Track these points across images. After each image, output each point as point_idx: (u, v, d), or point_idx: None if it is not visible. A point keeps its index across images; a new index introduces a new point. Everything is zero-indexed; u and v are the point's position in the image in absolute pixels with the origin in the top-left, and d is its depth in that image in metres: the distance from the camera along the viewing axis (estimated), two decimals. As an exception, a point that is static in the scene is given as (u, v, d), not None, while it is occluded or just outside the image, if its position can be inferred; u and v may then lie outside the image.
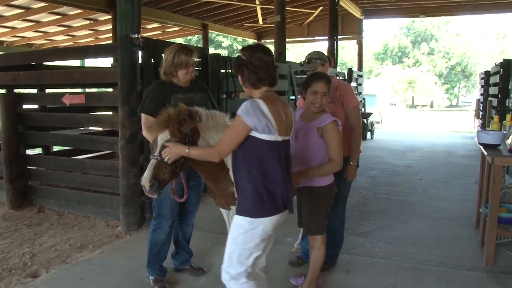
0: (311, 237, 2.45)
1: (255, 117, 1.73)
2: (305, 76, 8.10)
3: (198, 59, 2.66)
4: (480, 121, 10.78)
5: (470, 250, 3.47)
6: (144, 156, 3.84)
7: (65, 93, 4.42)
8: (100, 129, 6.36)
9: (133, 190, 3.96)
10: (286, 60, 7.69)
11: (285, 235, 3.76)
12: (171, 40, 12.08)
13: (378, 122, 16.43)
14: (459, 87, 44.95)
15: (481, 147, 3.34)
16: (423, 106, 42.75)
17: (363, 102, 12.78)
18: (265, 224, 1.81)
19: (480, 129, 8.80)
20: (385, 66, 43.79)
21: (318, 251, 2.45)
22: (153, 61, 3.96)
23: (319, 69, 2.85)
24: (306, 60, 2.92)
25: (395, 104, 37.22)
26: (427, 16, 13.12)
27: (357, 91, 11.93)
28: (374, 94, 22.75)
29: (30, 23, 10.06)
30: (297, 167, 2.27)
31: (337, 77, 3.01)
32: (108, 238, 3.81)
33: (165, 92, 2.58)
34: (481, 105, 10.56)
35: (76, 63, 10.14)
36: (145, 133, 2.60)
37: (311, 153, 2.31)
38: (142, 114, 2.63)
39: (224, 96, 5.10)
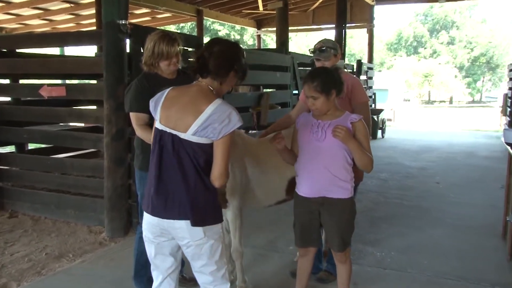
0: (343, 251, 2.50)
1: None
2: (310, 68, 8.02)
3: (183, 48, 2.68)
4: (508, 118, 10.74)
5: (495, 263, 3.46)
6: (131, 154, 3.84)
7: (43, 84, 4.40)
8: (82, 125, 6.37)
9: (119, 192, 3.98)
10: (289, 50, 7.73)
11: (287, 243, 3.79)
12: (162, 28, 12.08)
13: (390, 120, 16.43)
14: (483, 81, 44.58)
15: (509, 147, 3.35)
16: (441, 102, 42.78)
17: (373, 97, 12.80)
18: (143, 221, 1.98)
19: (507, 128, 8.80)
20: (399, 57, 43.84)
21: (349, 264, 2.55)
22: (142, 50, 3.95)
23: (331, 60, 2.90)
24: (319, 47, 2.93)
25: (409, 100, 37.33)
26: (448, 0, 13.11)
27: (367, 85, 11.96)
28: (385, 89, 22.66)
29: (-1, 4, 9.91)
30: (328, 166, 2.34)
31: (345, 70, 3.02)
32: (90, 245, 3.83)
33: (151, 85, 2.60)
34: (509, 100, 10.52)
35: (54, 51, 10.11)
36: (139, 132, 2.63)
37: (343, 149, 2.36)
38: (131, 113, 2.66)
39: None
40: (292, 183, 2.75)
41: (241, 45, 2.03)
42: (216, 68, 1.88)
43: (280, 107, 7.12)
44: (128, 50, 3.95)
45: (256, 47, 15.54)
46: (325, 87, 2.30)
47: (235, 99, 5.82)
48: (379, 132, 11.73)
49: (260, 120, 6.18)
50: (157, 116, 1.91)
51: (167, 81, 2.63)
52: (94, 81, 5.55)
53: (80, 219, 4.34)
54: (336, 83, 2.34)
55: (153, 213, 1.90)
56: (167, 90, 1.95)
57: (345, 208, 2.43)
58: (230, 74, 1.91)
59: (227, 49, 1.92)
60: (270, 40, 31.75)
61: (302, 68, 7.79)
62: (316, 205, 2.43)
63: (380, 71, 36.49)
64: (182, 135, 1.84)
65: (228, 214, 2.77)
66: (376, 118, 11.07)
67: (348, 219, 2.46)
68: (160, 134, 1.88)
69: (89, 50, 16.30)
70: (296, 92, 7.41)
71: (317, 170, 2.37)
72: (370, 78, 12.48)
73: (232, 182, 2.64)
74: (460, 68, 42.08)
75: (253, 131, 6.21)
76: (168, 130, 1.86)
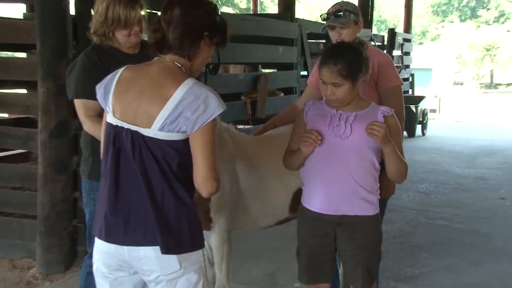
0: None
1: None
2: (323, 41, 8.01)
3: (148, 12, 2.74)
4: None
5: None
6: (77, 158, 3.84)
7: None
8: (6, 115, 6.38)
9: (59, 210, 4.02)
10: (296, 17, 7.80)
11: (291, 277, 3.83)
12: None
13: (434, 111, 16.71)
14: None
15: None
16: (508, 85, 42.67)
17: (410, 80, 13.01)
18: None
19: None
20: (448, 24, 43.88)
21: None
22: (92, 13, 4.00)
23: (351, 29, 2.97)
24: (334, 10, 2.99)
25: (461, 83, 37.53)
26: None
27: (402, 63, 12.10)
28: (428, 68, 22.76)
29: None
30: (352, 172, 2.41)
31: (372, 43, 3.10)
32: (13, 287, 3.82)
33: (105, 62, 2.65)
34: None
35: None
36: (89, 126, 2.69)
37: (372, 150, 2.43)
38: (76, 100, 2.72)
39: (203, 69, 5.24)
40: (298, 197, 2.78)
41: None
42: (179, 41, 1.90)
43: (282, 94, 7.20)
44: (73, 12, 4.00)
45: (251, 12, 15.56)
46: (352, 71, 2.35)
47: (224, 82, 5.90)
48: (418, 127, 11.86)
49: (256, 111, 6.28)
50: (108, 106, 1.93)
51: (126, 57, 2.66)
52: (23, 55, 5.57)
53: None
54: (364, 64, 2.41)
55: (108, 238, 1.92)
56: (120, 70, 1.97)
57: (371, 229, 2.50)
58: (200, 44, 1.93)
59: (190, 10, 1.91)
60: (269, 2, 31.88)
61: (313, 40, 7.91)
62: (332, 225, 2.49)
63: (421, 43, 36.63)
64: (145, 132, 1.86)
65: (213, 238, 2.83)
66: (414, 109, 11.18)
67: (375, 244, 2.54)
68: (115, 131, 1.91)
69: (13, 10, 16.19)
70: (305, 73, 7.45)
71: (337, 176, 2.42)
72: (407, 53, 12.68)
73: (218, 194, 2.56)
74: (541, 36, 41.29)
75: (247, 126, 6.26)
76: (125, 125, 1.88)
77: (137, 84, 1.90)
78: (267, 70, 7.57)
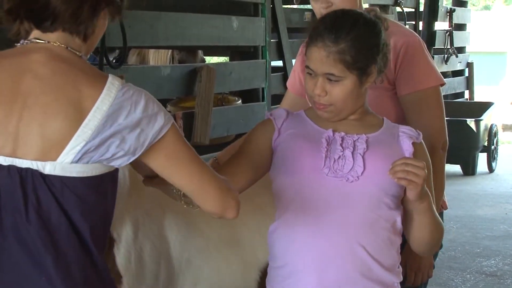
0: None
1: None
2: (308, 8, 7.97)
3: None
4: None
5: None
6: None
7: None
8: None
9: None
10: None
11: None
12: None
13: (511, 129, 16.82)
14: None
15: None
16: None
17: (467, 74, 12.81)
18: None
19: None
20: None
21: None
22: None
23: None
24: None
25: None
26: None
27: (451, 44, 11.81)
28: (501, 52, 23.19)
29: None
30: (361, 238, 2.41)
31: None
32: None
33: None
34: None
35: None
36: None
37: (396, 198, 2.46)
38: None
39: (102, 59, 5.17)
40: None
41: None
42: (73, 8, 1.92)
43: (240, 101, 7.05)
44: None
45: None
46: (363, 57, 2.41)
47: (136, 81, 5.81)
48: (482, 158, 11.67)
49: (193, 131, 6.07)
50: None
51: None
52: None
53: None
54: (381, 51, 2.46)
55: None
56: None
57: None
58: (101, 13, 2.02)
59: None
60: None
61: (293, 6, 7.81)
62: None
63: (487, 7, 36.92)
64: (47, 168, 1.86)
65: None
66: (473, 126, 10.91)
67: None
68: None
69: None
70: (279, 63, 7.39)
71: (337, 245, 2.43)
72: (461, 26, 12.38)
73: (133, 278, 2.64)
74: None
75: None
76: (1, 160, 1.95)
77: (12, 87, 1.93)
78: (214, 59, 7.01)
